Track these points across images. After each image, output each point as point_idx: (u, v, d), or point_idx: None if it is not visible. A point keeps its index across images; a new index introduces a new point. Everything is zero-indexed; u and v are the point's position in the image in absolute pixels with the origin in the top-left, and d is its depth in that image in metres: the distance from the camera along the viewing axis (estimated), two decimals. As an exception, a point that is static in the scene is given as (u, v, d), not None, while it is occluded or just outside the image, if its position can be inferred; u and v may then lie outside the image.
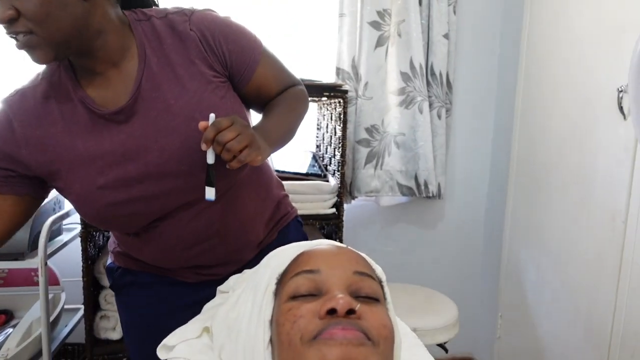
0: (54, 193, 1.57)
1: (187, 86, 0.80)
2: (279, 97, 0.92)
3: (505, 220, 2.02)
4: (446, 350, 1.68)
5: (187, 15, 0.81)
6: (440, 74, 1.95)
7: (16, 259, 1.39)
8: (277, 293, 0.63)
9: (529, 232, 1.86)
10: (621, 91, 1.38)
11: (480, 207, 2.20)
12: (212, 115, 0.73)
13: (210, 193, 0.75)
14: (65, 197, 0.84)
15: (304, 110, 0.96)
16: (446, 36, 1.92)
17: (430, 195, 1.98)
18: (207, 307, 0.82)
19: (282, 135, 0.87)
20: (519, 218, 1.94)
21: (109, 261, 1.01)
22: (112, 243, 1.00)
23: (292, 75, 0.97)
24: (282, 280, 0.63)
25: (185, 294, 0.93)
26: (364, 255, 0.69)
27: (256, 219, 0.93)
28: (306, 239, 1.04)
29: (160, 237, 0.86)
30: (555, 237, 1.69)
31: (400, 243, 2.14)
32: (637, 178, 1.35)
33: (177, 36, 0.80)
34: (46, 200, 1.48)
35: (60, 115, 0.79)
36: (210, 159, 0.74)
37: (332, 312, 0.54)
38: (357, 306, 0.54)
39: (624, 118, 1.38)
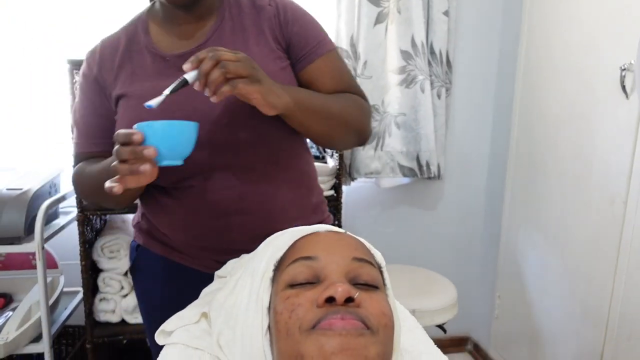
0: (50, 176, 1.56)
1: (251, 49, 0.84)
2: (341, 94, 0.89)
3: (505, 201, 2.01)
4: (444, 331, 1.69)
5: None
6: (440, 53, 1.91)
7: (12, 243, 1.38)
8: (274, 280, 0.62)
9: (528, 214, 1.85)
10: (624, 69, 1.35)
11: (479, 188, 2.19)
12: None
13: (154, 99, 0.68)
14: None
15: (358, 117, 0.89)
16: (446, 13, 1.88)
17: (432, 176, 1.97)
18: (205, 292, 0.82)
19: (314, 107, 0.81)
20: (518, 199, 1.93)
21: (132, 238, 1.02)
22: (135, 217, 1.00)
23: (359, 88, 0.93)
24: (279, 266, 0.62)
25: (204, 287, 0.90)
26: (363, 240, 0.68)
27: (288, 211, 0.90)
28: None
29: (191, 200, 0.85)
30: (554, 218, 1.69)
31: (400, 224, 2.14)
32: (638, 159, 1.34)
33: (255, 8, 0.88)
34: (41, 183, 1.48)
35: (130, 59, 0.87)
36: (191, 77, 0.67)
37: (330, 300, 0.53)
38: (356, 294, 0.53)
39: (626, 97, 1.36)
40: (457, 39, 2.00)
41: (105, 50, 0.89)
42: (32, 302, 1.48)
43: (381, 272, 0.65)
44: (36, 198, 1.43)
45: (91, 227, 1.57)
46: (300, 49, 0.87)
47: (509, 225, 1.99)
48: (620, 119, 1.39)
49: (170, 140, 0.65)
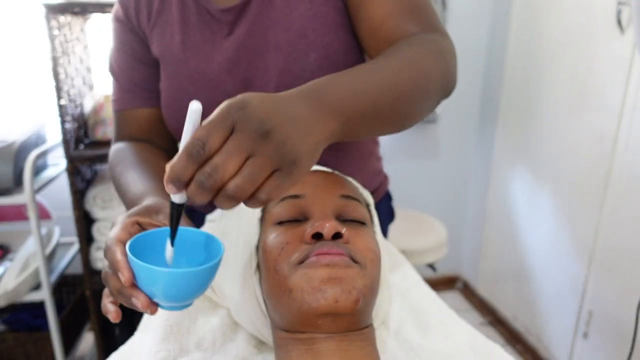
0: (35, 127, 1.53)
1: None
2: (391, 47, 0.58)
3: (495, 141, 2.01)
4: (434, 270, 1.74)
5: None
6: (433, -10, 1.84)
7: (2, 195, 1.37)
8: (262, 219, 0.62)
9: (519, 153, 1.86)
10: (621, 3, 1.31)
11: (470, 130, 2.19)
12: (195, 106, 0.39)
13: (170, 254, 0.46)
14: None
15: (436, 71, 0.56)
16: (439, -53, 1.79)
17: (429, 120, 1.96)
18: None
19: (371, 103, 0.48)
20: (509, 139, 1.93)
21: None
22: None
23: (431, 19, 0.63)
24: (267, 206, 0.63)
25: None
26: (350, 179, 0.68)
27: (351, 174, 0.77)
28: (393, 215, 0.98)
29: None
30: (544, 157, 1.70)
31: (392, 168, 2.14)
32: (629, 97, 1.33)
33: None
34: (27, 134, 1.46)
35: (169, 3, 0.71)
36: (179, 197, 0.42)
37: (318, 236, 0.53)
38: (343, 230, 0.53)
39: (622, 32, 1.33)
40: (451, -26, 1.92)
41: (141, 10, 0.72)
42: (28, 253, 1.50)
43: (369, 210, 0.66)
44: (22, 149, 1.41)
45: (82, 178, 1.56)
46: None
47: (498, 166, 2.00)
48: (614, 54, 1.37)
49: (171, 290, 0.45)
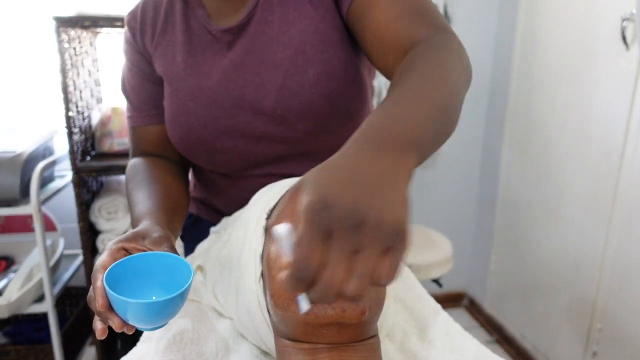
0: (44, 138, 1.54)
1: (306, 11, 0.68)
2: (406, 60, 0.55)
3: (502, 156, 2.01)
4: (440, 285, 1.72)
5: None
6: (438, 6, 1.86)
7: (9, 205, 1.38)
8: (267, 228, 0.62)
9: (525, 169, 1.85)
10: (625, 20, 1.32)
11: (477, 144, 2.19)
12: (281, 229, 0.37)
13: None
14: None
15: (458, 69, 0.53)
16: (444, -35, 1.82)
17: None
18: (201, 247, 0.82)
19: (432, 125, 0.45)
20: (516, 154, 1.92)
21: None
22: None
23: (436, 20, 0.61)
24: (272, 215, 0.63)
25: None
26: (355, 189, 0.68)
27: None
28: None
29: (250, 184, 0.77)
30: (551, 172, 1.69)
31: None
32: (636, 112, 1.33)
33: None
34: (35, 146, 1.47)
35: (172, 23, 0.75)
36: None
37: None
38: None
39: (627, 48, 1.34)
40: (455, -8, 1.94)
41: (146, 14, 0.76)
42: (33, 264, 1.50)
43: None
44: (30, 160, 1.42)
45: (87, 189, 1.57)
46: None
47: (505, 181, 1.99)
48: (620, 69, 1.37)
49: (139, 316, 0.50)
